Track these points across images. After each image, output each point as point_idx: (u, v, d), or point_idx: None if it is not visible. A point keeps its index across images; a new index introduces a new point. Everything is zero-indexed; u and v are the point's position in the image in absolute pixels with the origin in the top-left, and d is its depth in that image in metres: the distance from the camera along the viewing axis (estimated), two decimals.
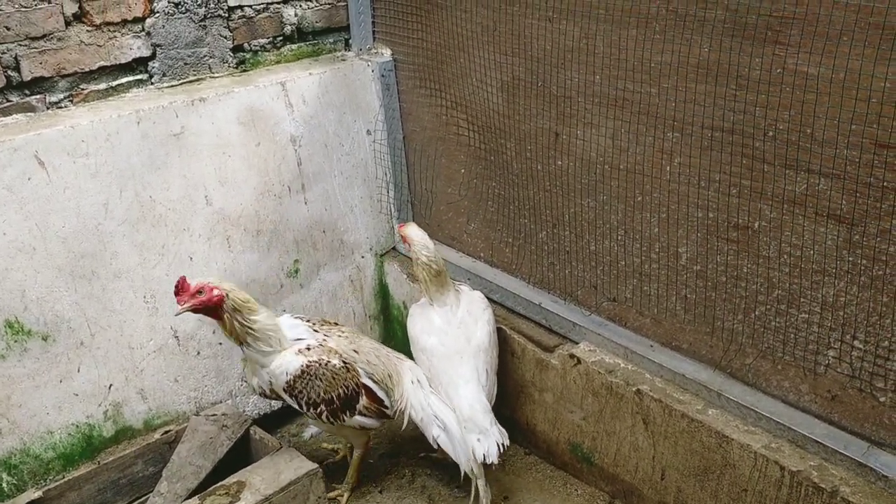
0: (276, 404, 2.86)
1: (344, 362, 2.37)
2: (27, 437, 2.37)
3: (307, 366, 2.31)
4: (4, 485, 2.35)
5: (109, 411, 2.52)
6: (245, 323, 2.24)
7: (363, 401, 2.40)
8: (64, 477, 2.41)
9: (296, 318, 2.45)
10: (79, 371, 2.44)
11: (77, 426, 2.46)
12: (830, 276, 1.91)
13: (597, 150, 2.35)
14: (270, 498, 2.26)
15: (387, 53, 3.03)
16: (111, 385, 2.51)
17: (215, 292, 2.19)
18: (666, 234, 2.25)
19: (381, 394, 2.43)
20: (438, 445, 2.45)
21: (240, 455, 2.53)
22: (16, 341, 2.31)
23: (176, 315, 2.23)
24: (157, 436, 2.57)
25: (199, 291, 2.18)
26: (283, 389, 2.33)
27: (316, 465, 2.39)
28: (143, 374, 2.57)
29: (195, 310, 2.21)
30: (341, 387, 2.35)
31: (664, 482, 2.33)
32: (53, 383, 2.39)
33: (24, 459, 2.38)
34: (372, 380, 2.41)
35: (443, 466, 2.72)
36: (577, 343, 2.56)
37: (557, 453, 2.67)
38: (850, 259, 1.86)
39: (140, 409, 2.58)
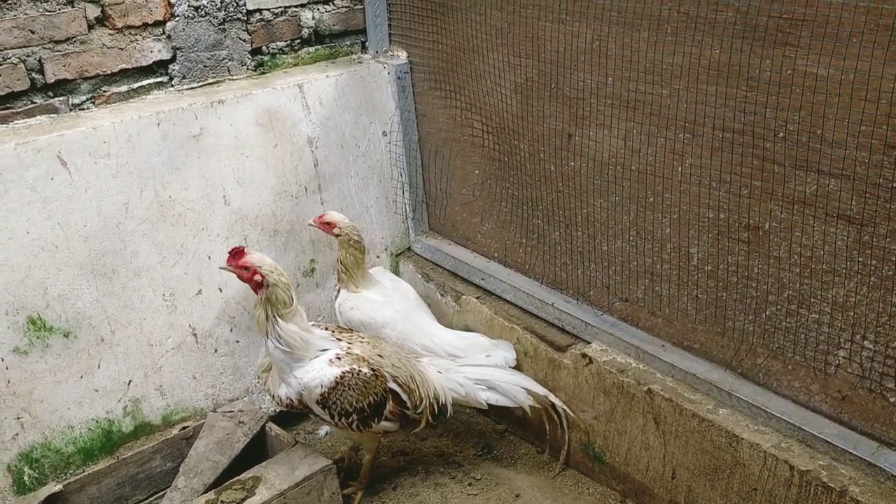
0: None
1: (372, 369, 2.38)
2: (48, 432, 2.42)
3: (341, 376, 2.31)
4: (26, 478, 2.40)
5: (129, 407, 2.57)
6: (272, 318, 2.26)
7: (389, 405, 2.42)
8: (84, 471, 2.46)
9: (312, 325, 2.43)
10: (99, 367, 2.49)
11: (97, 421, 2.51)
12: (840, 277, 1.92)
13: (609, 152, 2.37)
14: (285, 493, 2.29)
15: (402, 56, 3.06)
16: (130, 381, 2.56)
17: (256, 277, 2.23)
18: (677, 235, 2.26)
19: (404, 397, 2.45)
20: (490, 405, 2.56)
21: (256, 451, 2.57)
22: (38, 337, 2.36)
23: (220, 268, 2.31)
24: (174, 431, 2.61)
25: (245, 268, 2.23)
26: (317, 402, 2.32)
27: (330, 462, 2.42)
28: (162, 370, 2.62)
29: (239, 277, 2.28)
30: (372, 394, 2.37)
31: (675, 481, 2.34)
32: (74, 379, 2.45)
33: (45, 453, 2.43)
34: (397, 383, 2.43)
35: (456, 464, 2.75)
36: (589, 343, 2.57)
37: (569, 452, 2.68)
38: (860, 259, 1.87)
39: (158, 405, 2.63)
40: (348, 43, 3.13)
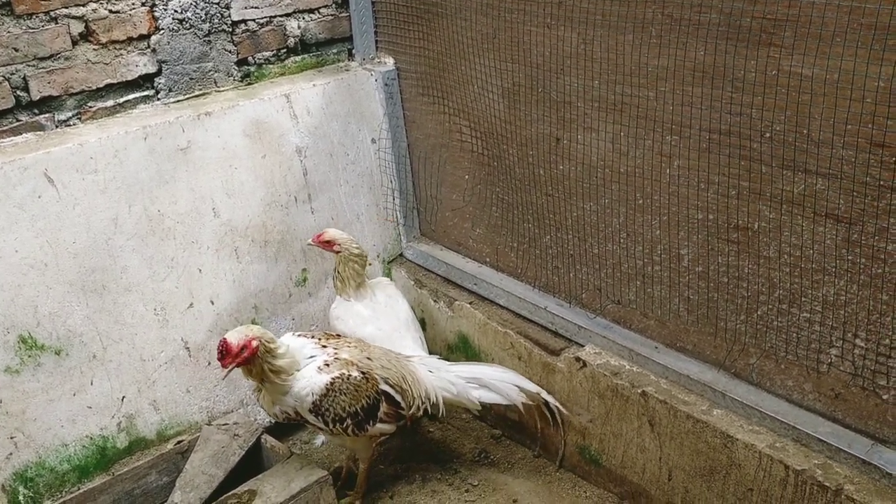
0: None
1: (362, 372, 2.38)
2: (42, 451, 2.41)
3: (331, 382, 2.32)
4: (21, 498, 2.39)
5: (123, 423, 2.56)
6: (273, 365, 2.25)
7: (383, 407, 2.43)
8: (79, 489, 2.44)
9: (299, 335, 2.45)
10: (92, 384, 2.48)
11: (91, 438, 2.50)
12: (830, 276, 1.92)
13: (597, 155, 2.37)
14: None
15: (389, 62, 3.06)
16: (124, 397, 2.55)
17: (254, 343, 2.18)
18: (668, 237, 2.26)
19: (397, 397, 2.46)
20: (482, 403, 2.58)
21: (251, 463, 2.56)
22: (29, 356, 2.35)
23: (224, 378, 2.32)
24: (169, 446, 2.59)
25: (243, 349, 2.17)
26: (309, 410, 2.33)
27: (326, 473, 2.41)
28: (156, 385, 2.61)
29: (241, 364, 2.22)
30: (364, 398, 2.38)
31: (671, 483, 2.34)
32: (67, 397, 2.43)
33: (40, 472, 2.42)
34: (388, 384, 2.44)
35: (453, 470, 2.75)
36: (582, 346, 2.57)
37: (566, 455, 2.69)
38: (850, 258, 1.87)
39: (153, 419, 2.62)
40: (335, 51, 3.12)
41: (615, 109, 2.27)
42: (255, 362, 2.23)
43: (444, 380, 2.56)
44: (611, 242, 2.44)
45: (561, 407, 2.57)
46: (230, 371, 2.22)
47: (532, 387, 2.58)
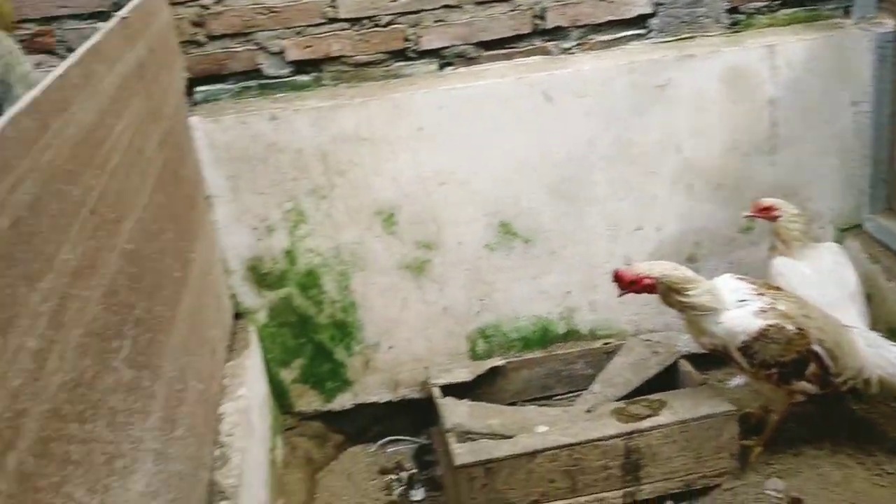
0: None
1: (798, 328, 2.38)
2: (500, 317, 2.92)
3: (765, 328, 2.36)
4: (479, 348, 2.95)
5: (564, 313, 2.95)
6: (680, 300, 2.40)
7: (811, 367, 2.41)
8: (521, 356, 2.93)
9: (738, 278, 2.50)
10: (547, 274, 2.90)
11: (538, 318, 2.94)
12: None
13: None
14: (686, 422, 2.43)
15: (889, 24, 2.86)
16: (569, 292, 2.93)
17: (646, 282, 2.40)
18: None
19: (828, 362, 2.40)
20: None
21: (665, 381, 2.74)
22: (505, 239, 2.84)
23: (619, 297, 2.50)
24: (597, 344, 2.93)
25: (632, 282, 2.41)
26: (738, 348, 2.40)
27: (734, 408, 2.48)
28: (596, 289, 2.93)
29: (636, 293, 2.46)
30: (794, 352, 2.38)
31: None
32: (526, 279, 2.89)
33: (495, 333, 2.94)
34: (822, 346, 2.40)
35: (868, 452, 2.59)
36: None
37: None
38: None
39: (588, 318, 2.97)
40: (830, 7, 3.01)
41: None
42: (666, 295, 2.40)
43: (883, 357, 2.42)
44: None
45: None
46: (622, 295, 2.45)
47: None
